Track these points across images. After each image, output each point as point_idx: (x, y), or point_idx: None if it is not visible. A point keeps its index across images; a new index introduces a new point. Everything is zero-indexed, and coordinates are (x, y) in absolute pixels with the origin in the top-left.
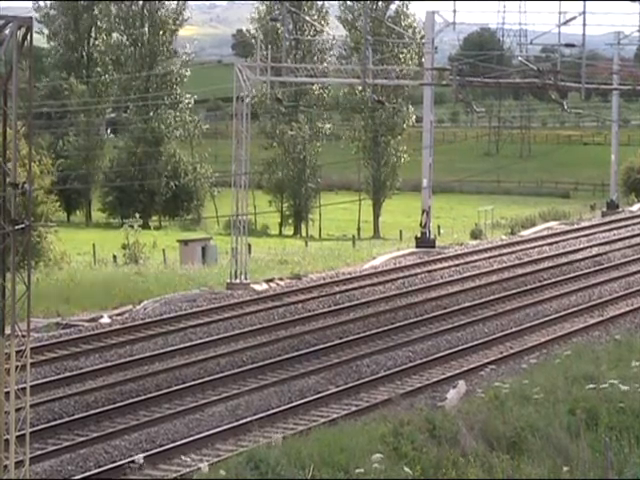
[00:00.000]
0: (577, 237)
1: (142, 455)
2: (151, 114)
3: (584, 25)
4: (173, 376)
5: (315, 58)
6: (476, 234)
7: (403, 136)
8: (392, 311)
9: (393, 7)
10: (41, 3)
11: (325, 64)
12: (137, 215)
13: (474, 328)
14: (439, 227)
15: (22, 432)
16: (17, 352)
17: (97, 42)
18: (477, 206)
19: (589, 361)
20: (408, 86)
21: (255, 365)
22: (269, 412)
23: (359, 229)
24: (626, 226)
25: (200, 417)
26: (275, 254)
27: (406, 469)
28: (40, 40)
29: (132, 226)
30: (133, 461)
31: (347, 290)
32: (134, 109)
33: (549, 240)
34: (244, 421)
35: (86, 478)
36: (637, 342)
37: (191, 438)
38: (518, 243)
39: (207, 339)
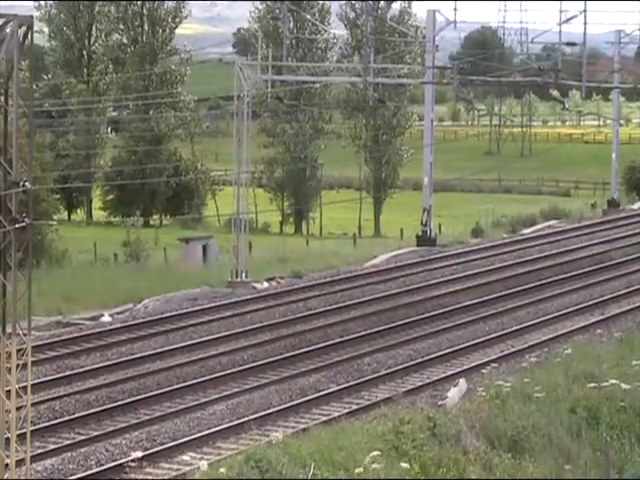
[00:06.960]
0: (578, 235)
1: (140, 453)
2: (151, 112)
3: (585, 24)
4: (174, 374)
5: (316, 57)
6: (477, 232)
7: (405, 135)
8: (393, 309)
9: (395, 6)
10: (42, 2)
11: (327, 62)
12: (138, 213)
13: (475, 327)
14: (440, 225)
15: (23, 430)
16: (18, 350)
17: (96, 44)
18: (478, 204)
19: (590, 360)
20: (410, 85)
21: (256, 363)
22: (270, 410)
23: (360, 227)
24: (627, 225)
25: (201, 415)
26: (276, 252)
27: (403, 464)
28: (41, 39)
29: (133, 225)
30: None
31: (348, 289)
32: (134, 108)
33: (550, 239)
34: (245, 419)
35: (87, 476)
36: (638, 341)
37: (192, 436)
38: (519, 242)
39: (208, 337)
